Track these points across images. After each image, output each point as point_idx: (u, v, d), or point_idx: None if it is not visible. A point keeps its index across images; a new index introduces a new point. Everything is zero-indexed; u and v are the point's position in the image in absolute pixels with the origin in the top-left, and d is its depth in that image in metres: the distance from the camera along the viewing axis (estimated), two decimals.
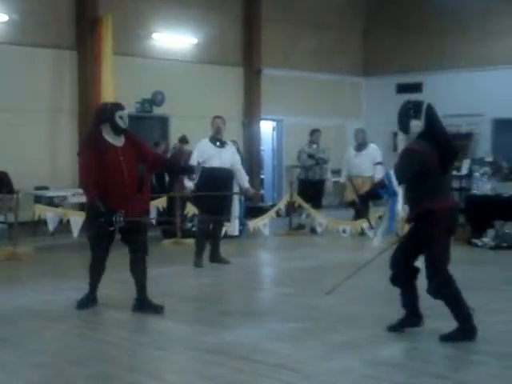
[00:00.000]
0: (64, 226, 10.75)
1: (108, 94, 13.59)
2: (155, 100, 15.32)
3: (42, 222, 11.03)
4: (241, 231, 12.01)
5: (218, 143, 9.19)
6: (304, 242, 11.80)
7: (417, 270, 5.69)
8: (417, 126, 5.46)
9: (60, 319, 6.31)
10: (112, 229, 6.34)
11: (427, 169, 5.38)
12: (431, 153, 5.39)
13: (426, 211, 5.43)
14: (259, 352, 5.23)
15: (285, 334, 5.74)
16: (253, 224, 12.17)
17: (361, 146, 12.47)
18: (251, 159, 16.57)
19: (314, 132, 13.07)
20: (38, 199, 12.32)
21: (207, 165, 8.83)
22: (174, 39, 15.52)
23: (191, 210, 11.22)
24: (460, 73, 17.37)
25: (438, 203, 5.42)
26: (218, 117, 9.37)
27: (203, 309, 6.85)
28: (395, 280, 5.69)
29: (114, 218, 6.26)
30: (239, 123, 16.81)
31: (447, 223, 5.46)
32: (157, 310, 6.47)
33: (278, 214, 12.78)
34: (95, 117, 6.70)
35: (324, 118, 16.97)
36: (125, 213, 6.31)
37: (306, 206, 12.45)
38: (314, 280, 8.28)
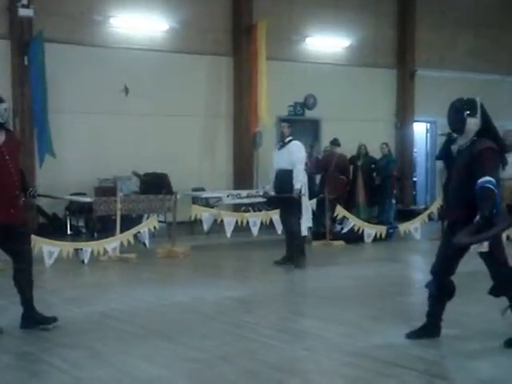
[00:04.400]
0: (218, 225, 11.13)
1: (262, 98, 13.96)
2: (307, 103, 15.51)
3: (198, 222, 11.48)
4: (391, 234, 11.96)
5: (278, 146, 9.55)
6: None
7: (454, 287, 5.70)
8: (475, 124, 5.31)
9: (212, 316, 6.57)
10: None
11: None
12: None
13: None
14: (406, 357, 5.21)
15: (432, 340, 5.65)
16: (403, 227, 12.06)
17: (510, 147, 12.01)
18: (403, 162, 16.40)
19: None
20: (195, 200, 12.86)
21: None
22: (326, 42, 15.62)
23: (341, 212, 11.31)
24: None
25: None
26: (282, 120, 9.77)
27: (349, 311, 6.87)
28: (438, 289, 5.66)
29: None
30: (391, 126, 16.66)
31: None
32: (48, 321, 5.89)
33: (430, 218, 12.55)
34: None
35: None
36: (14, 219, 5.78)
37: None
38: (465, 286, 7.99)
